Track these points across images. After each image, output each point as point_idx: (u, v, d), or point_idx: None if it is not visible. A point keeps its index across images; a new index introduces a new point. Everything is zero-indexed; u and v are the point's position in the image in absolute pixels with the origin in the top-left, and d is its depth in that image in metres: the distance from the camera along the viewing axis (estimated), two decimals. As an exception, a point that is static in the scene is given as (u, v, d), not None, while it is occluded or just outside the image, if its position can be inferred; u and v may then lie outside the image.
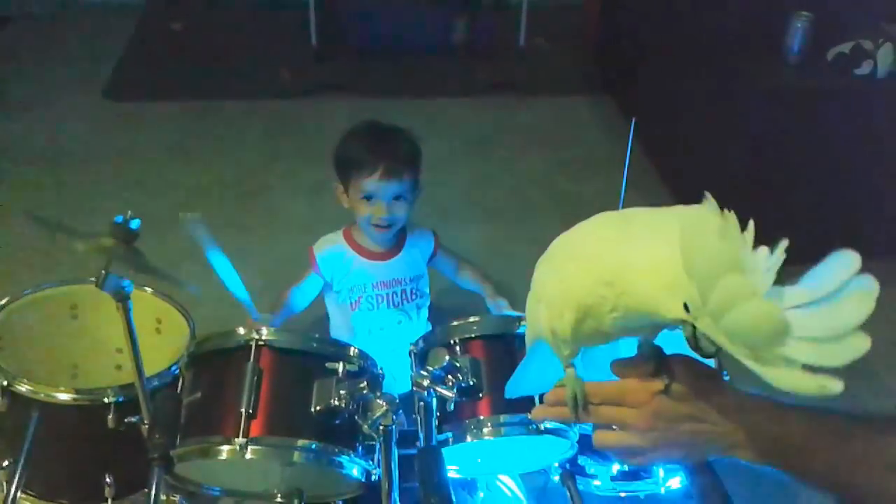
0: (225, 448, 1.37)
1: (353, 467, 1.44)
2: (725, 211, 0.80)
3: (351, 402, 1.39)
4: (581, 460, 1.70)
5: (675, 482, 1.70)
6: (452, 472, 1.60)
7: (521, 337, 1.52)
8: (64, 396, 1.68)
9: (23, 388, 1.68)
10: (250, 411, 1.39)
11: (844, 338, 0.78)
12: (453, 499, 1.20)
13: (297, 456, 1.40)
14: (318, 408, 1.40)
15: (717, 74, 3.23)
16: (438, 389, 1.42)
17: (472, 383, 1.46)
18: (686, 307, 0.80)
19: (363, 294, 2.13)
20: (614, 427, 0.95)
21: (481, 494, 1.81)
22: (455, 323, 1.58)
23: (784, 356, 0.76)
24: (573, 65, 4.70)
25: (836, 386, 0.76)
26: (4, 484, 1.73)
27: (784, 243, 0.80)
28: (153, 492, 1.34)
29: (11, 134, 3.88)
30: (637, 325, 0.89)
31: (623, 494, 1.74)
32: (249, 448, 1.36)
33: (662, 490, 1.71)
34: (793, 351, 0.76)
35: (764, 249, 0.80)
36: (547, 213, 3.51)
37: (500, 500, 1.83)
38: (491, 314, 2.08)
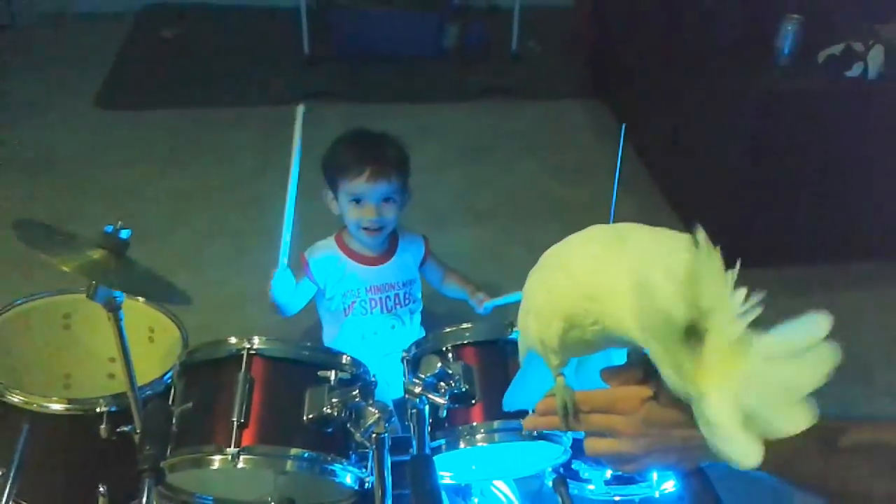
0: (217, 457, 1.37)
1: (346, 475, 1.44)
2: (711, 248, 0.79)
3: (343, 410, 1.39)
4: (575, 465, 1.70)
5: (670, 485, 1.71)
6: (446, 478, 1.60)
7: (514, 343, 1.53)
8: (56, 406, 1.68)
9: (15, 398, 1.68)
10: (242, 420, 1.39)
11: (794, 403, 0.77)
12: (445, 506, 1.20)
13: (289, 465, 1.40)
14: (310, 416, 1.40)
15: (709, 77, 3.24)
16: (431, 396, 1.42)
17: (464, 390, 1.46)
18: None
19: (356, 299, 2.13)
20: (605, 434, 0.95)
21: (475, 500, 1.80)
22: (447, 329, 1.58)
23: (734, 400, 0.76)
24: (566, 69, 4.71)
25: (753, 459, 0.75)
26: (-4, 494, 1.72)
27: (761, 296, 0.79)
28: (144, 503, 1.33)
29: (2, 141, 3.87)
30: (618, 339, 0.90)
31: (618, 498, 1.75)
32: (241, 457, 1.37)
33: (657, 494, 1.72)
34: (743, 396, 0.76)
35: (742, 291, 0.80)
36: (540, 217, 3.51)
37: (494, 505, 1.83)
38: (482, 321, 2.08)
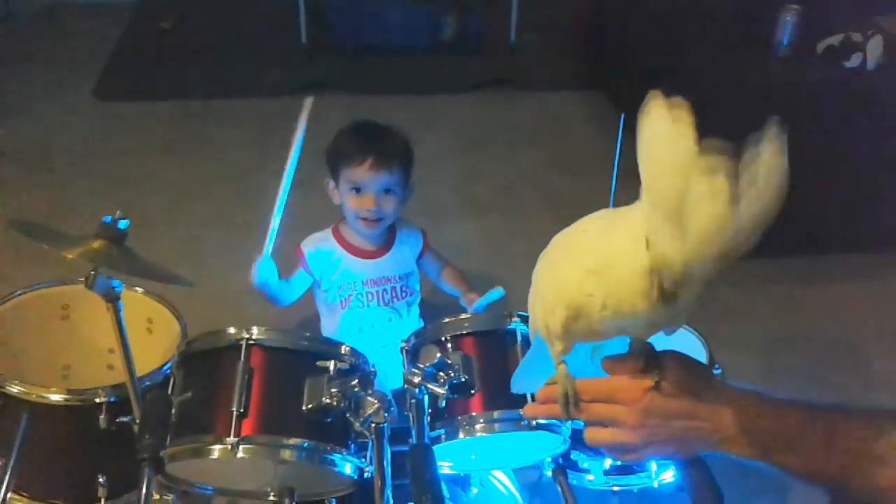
0: (216, 447, 1.37)
1: (346, 465, 1.44)
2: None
3: (342, 399, 1.38)
4: (574, 455, 1.71)
5: (668, 475, 1.71)
6: (445, 468, 1.60)
7: (513, 333, 1.53)
8: (55, 397, 1.68)
9: (14, 388, 1.67)
10: (241, 410, 1.38)
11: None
12: (445, 496, 1.20)
13: (288, 454, 1.39)
14: (309, 406, 1.40)
15: (708, 68, 3.23)
16: (430, 386, 1.42)
17: (463, 380, 1.46)
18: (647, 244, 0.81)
19: (353, 292, 2.13)
20: (606, 424, 0.95)
21: (475, 490, 1.81)
22: (446, 320, 1.58)
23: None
24: (564, 60, 4.69)
25: None
26: (-4, 485, 1.72)
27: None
28: (144, 492, 1.33)
29: (0, 134, 3.86)
30: (626, 322, 0.89)
31: (616, 488, 1.75)
32: (241, 447, 1.36)
33: (656, 484, 1.72)
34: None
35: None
36: (538, 208, 3.51)
37: (493, 495, 1.83)
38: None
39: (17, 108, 4.08)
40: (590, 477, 1.72)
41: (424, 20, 4.62)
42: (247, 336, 1.45)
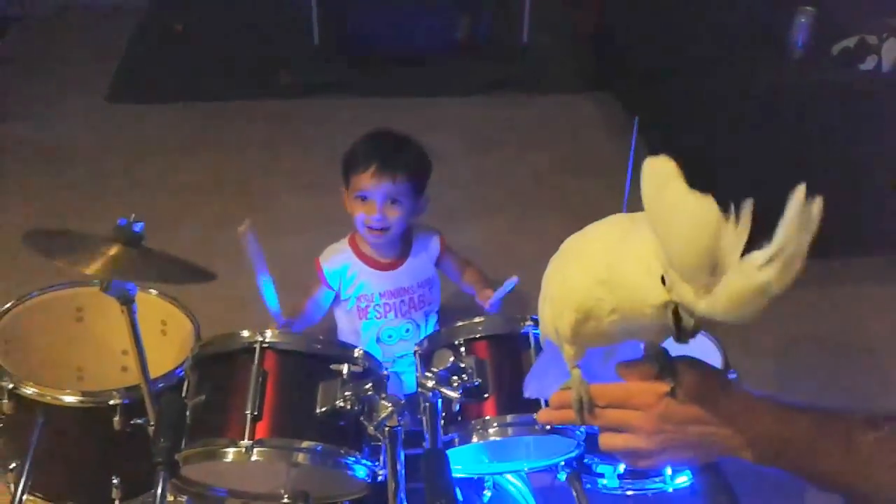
0: (231, 450, 1.38)
1: (359, 468, 1.44)
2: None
3: (356, 403, 1.38)
4: (588, 459, 1.70)
5: (683, 480, 1.70)
6: (459, 472, 1.60)
7: (526, 337, 1.52)
8: (70, 399, 1.69)
9: (29, 390, 1.68)
10: (255, 413, 1.39)
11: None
12: (459, 500, 1.20)
13: (302, 457, 1.40)
14: (323, 409, 1.40)
15: (722, 70, 3.22)
16: (443, 390, 1.42)
17: (477, 384, 1.46)
18: (663, 281, 0.81)
19: (370, 303, 2.09)
20: (621, 429, 0.95)
21: (488, 493, 1.80)
22: (459, 324, 1.57)
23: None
24: (576, 62, 4.69)
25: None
26: (11, 486, 1.73)
27: (749, 204, 0.81)
28: (159, 495, 1.34)
29: (15, 136, 3.88)
30: (636, 327, 0.89)
31: (631, 493, 1.74)
32: (255, 450, 1.37)
33: (670, 489, 1.71)
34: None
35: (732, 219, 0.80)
36: (549, 210, 3.50)
37: (506, 498, 1.83)
38: (495, 315, 2.06)
39: (31, 109, 4.10)
40: (604, 481, 1.71)
41: (436, 23, 4.62)
42: (260, 339, 1.46)
